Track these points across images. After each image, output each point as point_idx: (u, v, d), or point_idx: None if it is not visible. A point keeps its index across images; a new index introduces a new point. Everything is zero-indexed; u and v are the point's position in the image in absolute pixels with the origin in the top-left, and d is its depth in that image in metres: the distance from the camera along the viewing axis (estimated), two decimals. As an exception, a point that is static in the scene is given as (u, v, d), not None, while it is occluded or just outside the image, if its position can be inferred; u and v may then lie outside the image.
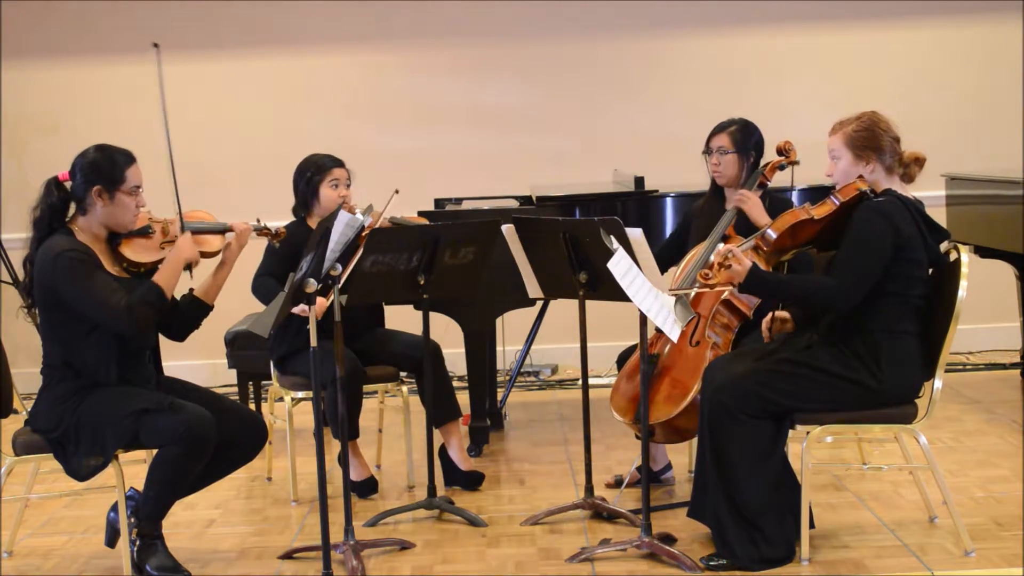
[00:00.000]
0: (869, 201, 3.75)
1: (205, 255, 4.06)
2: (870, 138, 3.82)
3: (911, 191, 3.87)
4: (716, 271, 3.68)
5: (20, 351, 6.48)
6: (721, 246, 4.39)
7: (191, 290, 4.03)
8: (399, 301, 4.90)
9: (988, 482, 4.60)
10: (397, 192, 4.54)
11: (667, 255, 4.69)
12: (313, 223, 4.72)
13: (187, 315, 4.01)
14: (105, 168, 3.83)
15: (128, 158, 3.89)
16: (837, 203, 3.75)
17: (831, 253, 3.83)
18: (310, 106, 7.15)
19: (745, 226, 4.41)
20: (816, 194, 4.87)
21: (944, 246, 3.98)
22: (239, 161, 7.09)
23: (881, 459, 4.88)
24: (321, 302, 4.05)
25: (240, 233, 4.07)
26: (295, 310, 3.93)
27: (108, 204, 3.84)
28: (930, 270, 3.82)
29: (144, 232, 3.96)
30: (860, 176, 3.80)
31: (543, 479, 4.95)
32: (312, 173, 4.74)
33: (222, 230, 4.09)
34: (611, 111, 7.14)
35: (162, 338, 4.08)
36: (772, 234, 3.76)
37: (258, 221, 4.21)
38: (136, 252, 3.94)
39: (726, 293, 4.20)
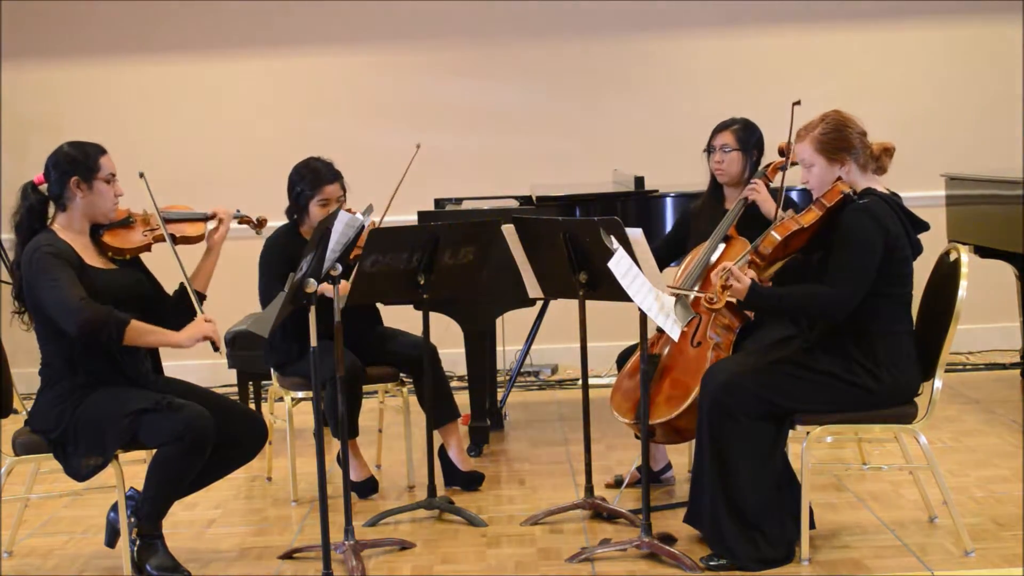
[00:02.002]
0: (854, 204, 3.72)
1: (186, 240, 4.14)
2: (840, 139, 3.78)
3: (885, 182, 3.86)
4: (719, 293, 3.66)
5: (20, 351, 6.45)
6: (718, 250, 4.40)
7: (181, 283, 4.06)
8: (399, 301, 4.90)
9: (988, 482, 4.60)
10: (419, 147, 4.66)
11: (663, 255, 4.69)
12: (304, 232, 4.69)
13: (181, 306, 4.03)
14: (79, 159, 3.91)
15: (99, 148, 3.97)
16: (823, 209, 3.72)
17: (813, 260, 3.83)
18: (310, 106, 7.15)
19: (746, 225, 4.40)
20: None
21: (944, 246, 3.99)
22: (239, 161, 7.09)
23: (881, 459, 4.89)
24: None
25: (225, 218, 4.17)
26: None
27: (87, 193, 3.90)
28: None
29: (125, 223, 4.05)
30: (839, 178, 3.77)
31: (543, 479, 4.95)
32: (303, 188, 4.65)
33: (203, 218, 4.19)
34: (611, 111, 7.13)
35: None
36: (766, 248, 3.73)
37: (237, 211, 4.26)
38: (119, 240, 4.01)
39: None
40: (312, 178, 4.65)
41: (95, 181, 3.90)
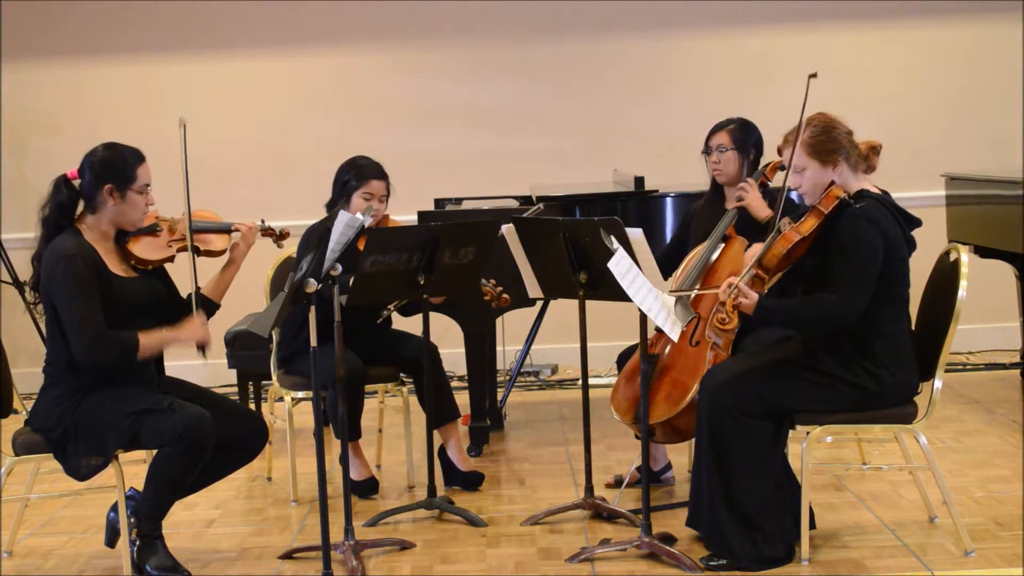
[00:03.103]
0: (851, 209, 3.69)
1: (210, 254, 4.11)
2: (829, 140, 3.75)
3: (883, 182, 3.86)
4: (731, 313, 3.64)
5: (20, 351, 6.48)
6: (717, 251, 4.40)
7: (198, 289, 4.05)
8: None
9: (988, 482, 4.60)
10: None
11: (670, 258, 4.67)
12: None
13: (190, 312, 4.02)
14: (116, 166, 3.86)
15: (137, 156, 3.92)
16: (821, 216, 3.69)
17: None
18: (310, 106, 7.15)
19: (745, 225, 4.40)
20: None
21: (944, 246, 3.98)
22: (240, 161, 7.08)
23: (881, 459, 4.89)
24: None
25: (246, 233, 4.12)
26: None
27: (119, 203, 3.86)
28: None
29: (151, 230, 4.00)
30: (832, 182, 3.74)
31: (543, 479, 4.95)
32: (350, 178, 4.71)
33: (227, 230, 4.14)
34: (611, 111, 7.14)
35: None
36: (771, 262, 3.69)
37: (263, 222, 4.24)
38: (143, 250, 3.97)
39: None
40: (359, 171, 4.73)
41: (129, 192, 3.86)
